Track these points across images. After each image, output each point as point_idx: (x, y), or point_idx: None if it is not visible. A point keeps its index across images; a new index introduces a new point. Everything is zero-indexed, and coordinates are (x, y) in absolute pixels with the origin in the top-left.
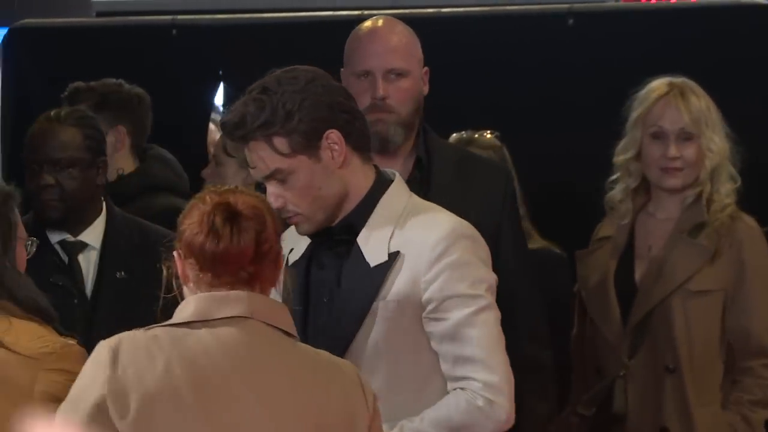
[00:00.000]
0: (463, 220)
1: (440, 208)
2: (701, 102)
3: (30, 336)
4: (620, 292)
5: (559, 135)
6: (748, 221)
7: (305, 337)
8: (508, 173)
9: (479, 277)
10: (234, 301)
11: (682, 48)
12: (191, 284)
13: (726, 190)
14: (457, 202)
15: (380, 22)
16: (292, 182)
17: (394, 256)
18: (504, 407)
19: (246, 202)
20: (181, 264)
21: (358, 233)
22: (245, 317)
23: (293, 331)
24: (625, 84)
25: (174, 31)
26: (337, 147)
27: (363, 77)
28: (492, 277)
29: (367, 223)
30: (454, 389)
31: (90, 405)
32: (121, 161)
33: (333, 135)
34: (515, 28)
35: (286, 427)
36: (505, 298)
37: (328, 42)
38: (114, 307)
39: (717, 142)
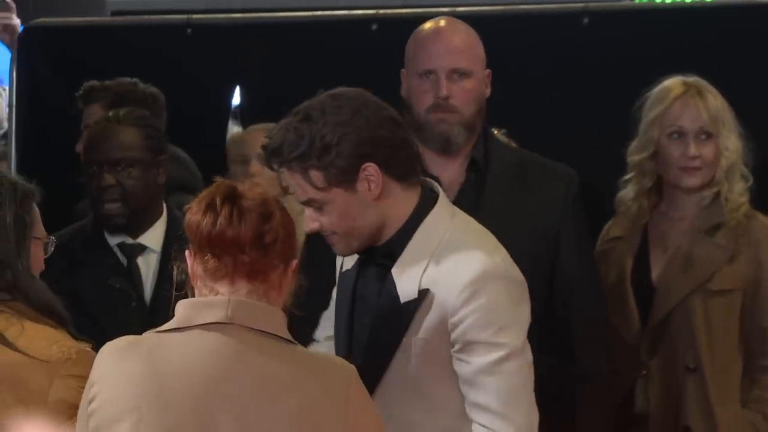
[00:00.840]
0: (499, 256)
1: (482, 236)
2: (717, 101)
3: (45, 340)
4: (637, 292)
5: (573, 134)
6: (764, 220)
7: (349, 349)
8: (570, 177)
9: (507, 322)
10: (215, 306)
11: (696, 47)
12: (198, 282)
13: (739, 189)
14: (512, 206)
15: (443, 23)
16: (327, 210)
17: (424, 294)
18: None
19: (254, 191)
20: (191, 261)
21: (396, 260)
22: (225, 323)
23: (283, 333)
24: (639, 83)
25: (188, 31)
26: (374, 179)
27: (426, 77)
28: (524, 319)
29: (403, 254)
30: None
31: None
32: None
33: (370, 168)
34: (530, 27)
35: None
36: (563, 306)
37: (343, 41)
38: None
39: (733, 141)
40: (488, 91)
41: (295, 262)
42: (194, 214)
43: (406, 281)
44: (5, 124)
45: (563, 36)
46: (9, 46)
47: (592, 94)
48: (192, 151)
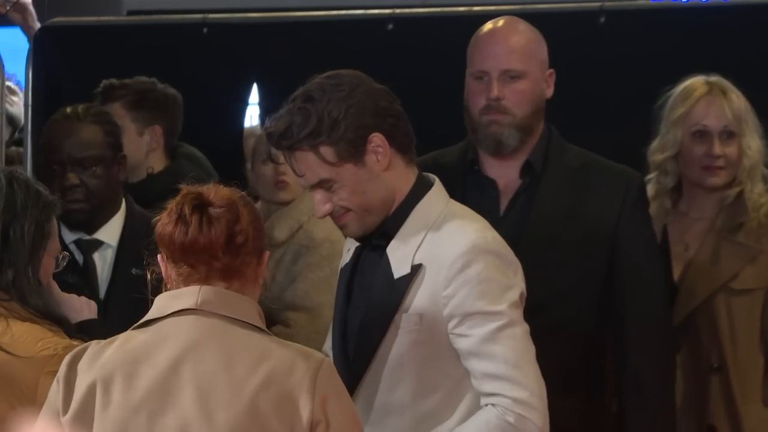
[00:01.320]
0: (491, 234)
1: (476, 217)
2: (741, 101)
3: (30, 338)
4: None
5: (590, 133)
6: None
7: (344, 341)
8: (631, 180)
9: (500, 292)
10: (185, 295)
11: (712, 46)
12: (173, 285)
13: (759, 190)
14: (565, 211)
15: (501, 23)
16: (338, 189)
17: (416, 269)
18: (536, 422)
19: (219, 194)
20: (164, 265)
21: (391, 240)
22: (193, 309)
23: (255, 321)
24: (656, 82)
25: (205, 30)
26: (381, 150)
27: (479, 78)
28: (517, 292)
29: (398, 232)
30: (486, 405)
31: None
32: (154, 160)
33: (377, 138)
34: (547, 25)
35: (216, 413)
36: (617, 311)
37: (360, 40)
38: (126, 306)
39: (756, 141)
40: (549, 92)
41: (266, 254)
42: (165, 225)
43: (400, 258)
44: (21, 123)
45: (580, 35)
46: (21, 27)
47: (608, 93)
48: (208, 150)
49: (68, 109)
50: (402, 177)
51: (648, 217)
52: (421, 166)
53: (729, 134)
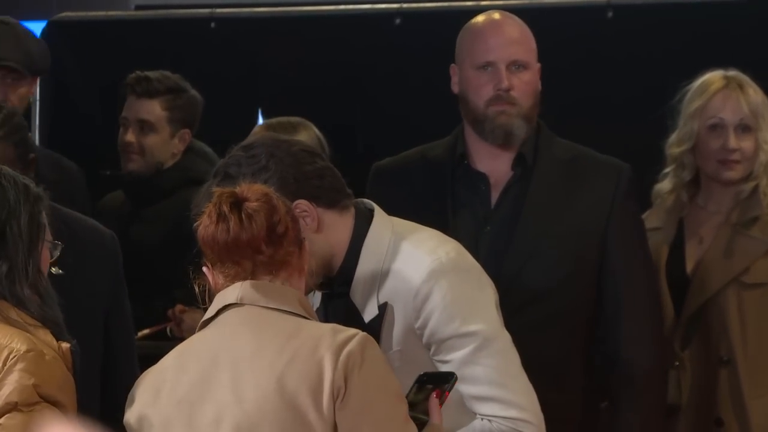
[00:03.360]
0: (443, 251)
1: (423, 236)
2: (758, 96)
3: (0, 338)
4: (672, 283)
5: (598, 128)
6: None
7: None
8: (621, 172)
9: (470, 310)
10: (229, 292)
11: (720, 41)
12: (222, 288)
13: None
14: (557, 203)
15: (497, 15)
16: None
17: (383, 308)
18: None
19: (253, 189)
20: (211, 275)
21: (351, 286)
22: (236, 304)
23: (296, 309)
24: (663, 76)
25: (212, 24)
26: (307, 214)
27: (484, 69)
28: (486, 302)
29: (354, 277)
30: (481, 419)
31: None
32: (168, 157)
33: (302, 205)
34: (554, 20)
35: (246, 395)
36: (609, 304)
37: (366, 35)
38: None
39: None
40: (539, 85)
41: (306, 243)
42: (207, 227)
43: (365, 302)
44: None
45: (588, 29)
46: None
47: (616, 88)
48: (216, 145)
49: None
50: (338, 229)
51: (638, 209)
52: (409, 160)
53: (745, 128)
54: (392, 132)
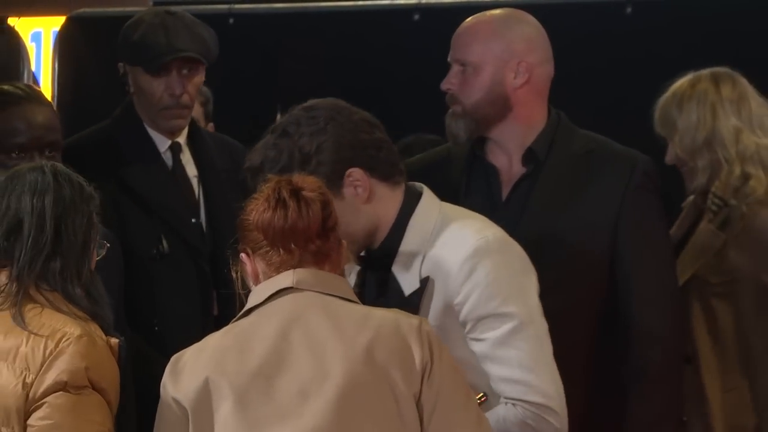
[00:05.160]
0: (491, 232)
1: (470, 217)
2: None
3: (54, 323)
4: None
5: (617, 125)
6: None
7: None
8: (634, 163)
9: (511, 292)
10: (280, 278)
11: (740, 37)
12: (262, 277)
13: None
14: (565, 199)
15: (473, 17)
16: None
17: (425, 282)
18: (555, 424)
19: (308, 180)
20: (250, 263)
21: (394, 258)
22: (290, 288)
23: (350, 296)
24: (683, 73)
25: (231, 20)
26: (360, 183)
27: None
28: (528, 288)
29: (399, 251)
30: (505, 403)
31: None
32: None
33: (355, 173)
34: (573, 17)
35: (333, 368)
36: (621, 296)
37: (385, 31)
38: None
39: None
40: (520, 80)
41: (344, 242)
42: (262, 212)
43: (407, 275)
44: None
45: (606, 26)
46: None
47: (635, 84)
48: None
49: (18, 91)
50: (387, 203)
51: (654, 200)
52: (436, 157)
53: None
54: (411, 127)
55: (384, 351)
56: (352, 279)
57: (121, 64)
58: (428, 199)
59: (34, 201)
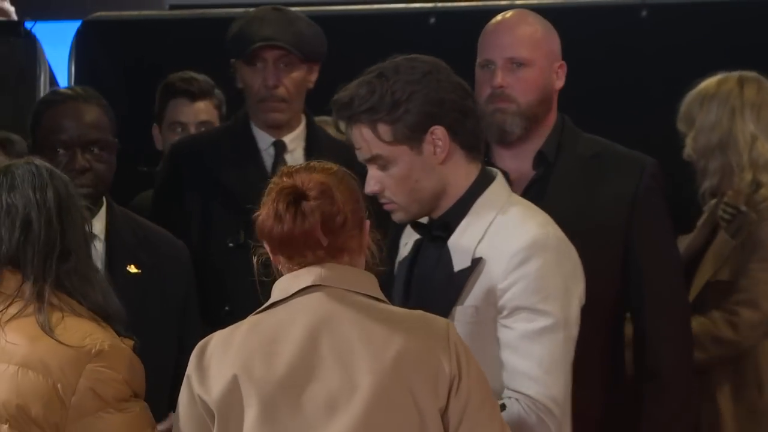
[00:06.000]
0: (552, 230)
1: (536, 211)
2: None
3: (80, 332)
4: None
5: (632, 127)
6: None
7: None
8: (644, 166)
9: (553, 293)
10: (305, 274)
11: (757, 39)
12: (281, 267)
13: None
14: (577, 201)
15: (509, 14)
16: (391, 170)
17: (476, 262)
18: (552, 429)
19: (314, 181)
20: (272, 253)
21: (452, 233)
22: (317, 285)
23: (376, 293)
24: (697, 76)
25: None
26: (440, 143)
27: (485, 68)
28: (573, 293)
29: (459, 225)
30: (508, 398)
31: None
32: None
33: (438, 131)
34: (588, 19)
35: (360, 380)
36: (634, 300)
37: (401, 34)
38: (123, 301)
39: None
40: (560, 83)
41: (367, 223)
42: (264, 220)
43: (461, 251)
44: None
45: (622, 29)
46: None
47: (650, 87)
48: None
49: (68, 91)
50: (460, 172)
51: (662, 202)
52: None
53: None
54: None
55: (411, 364)
56: (408, 247)
57: (231, 61)
58: (500, 184)
59: (37, 196)
